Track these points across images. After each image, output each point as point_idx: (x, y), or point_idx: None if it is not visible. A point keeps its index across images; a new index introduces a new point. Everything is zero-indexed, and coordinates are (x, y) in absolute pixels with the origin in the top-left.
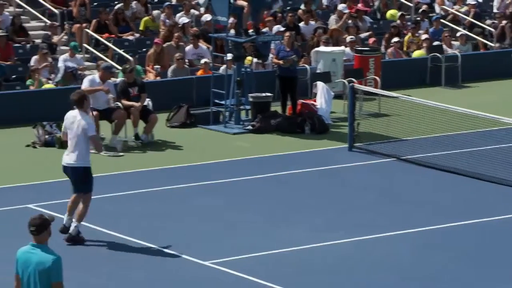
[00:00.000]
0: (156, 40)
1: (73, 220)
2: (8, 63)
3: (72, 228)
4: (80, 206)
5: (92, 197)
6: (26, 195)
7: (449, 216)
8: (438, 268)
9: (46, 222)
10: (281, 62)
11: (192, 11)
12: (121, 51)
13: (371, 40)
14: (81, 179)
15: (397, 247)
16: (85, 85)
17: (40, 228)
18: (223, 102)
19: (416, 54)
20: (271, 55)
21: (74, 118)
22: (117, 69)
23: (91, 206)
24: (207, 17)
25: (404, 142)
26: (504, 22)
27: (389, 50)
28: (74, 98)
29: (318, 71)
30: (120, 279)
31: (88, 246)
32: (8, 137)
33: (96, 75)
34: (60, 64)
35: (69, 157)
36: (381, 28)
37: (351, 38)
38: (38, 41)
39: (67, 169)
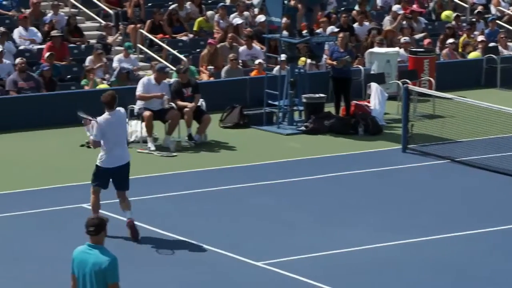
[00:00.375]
0: (210, 40)
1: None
2: (63, 63)
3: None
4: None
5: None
6: (80, 195)
7: (503, 218)
8: (492, 269)
9: (103, 222)
10: (334, 63)
11: (246, 12)
12: (175, 52)
13: (427, 41)
14: (127, 175)
15: (452, 249)
16: (139, 89)
17: (98, 228)
18: (276, 103)
19: (472, 55)
20: (325, 56)
21: (114, 118)
22: (171, 69)
23: (146, 206)
24: (261, 18)
25: (458, 144)
26: None
27: (444, 51)
28: (108, 100)
29: (372, 72)
30: (172, 279)
31: (142, 246)
32: (62, 137)
33: (151, 77)
34: (115, 64)
35: (125, 155)
36: (436, 29)
37: (405, 39)
38: (93, 41)
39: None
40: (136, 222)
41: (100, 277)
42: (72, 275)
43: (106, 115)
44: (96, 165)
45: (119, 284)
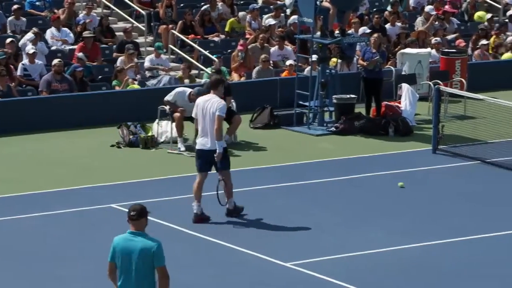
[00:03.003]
0: (240, 45)
1: (227, 199)
2: (95, 63)
3: (229, 204)
4: (224, 183)
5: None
6: (110, 195)
7: None
8: None
9: (145, 209)
10: (365, 63)
11: (282, 15)
12: (206, 52)
13: (460, 42)
14: (223, 158)
15: (480, 252)
16: (169, 98)
17: (141, 213)
18: (307, 104)
19: (506, 56)
20: (356, 57)
21: (206, 101)
22: (202, 70)
23: (176, 206)
24: (294, 18)
25: (490, 145)
26: None
27: (476, 52)
28: (212, 81)
29: (403, 73)
30: (199, 278)
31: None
32: (93, 137)
33: (188, 92)
34: (147, 64)
35: (209, 141)
36: (468, 30)
37: (436, 40)
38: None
39: (203, 152)
40: (167, 223)
41: (148, 261)
42: (111, 263)
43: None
44: (225, 147)
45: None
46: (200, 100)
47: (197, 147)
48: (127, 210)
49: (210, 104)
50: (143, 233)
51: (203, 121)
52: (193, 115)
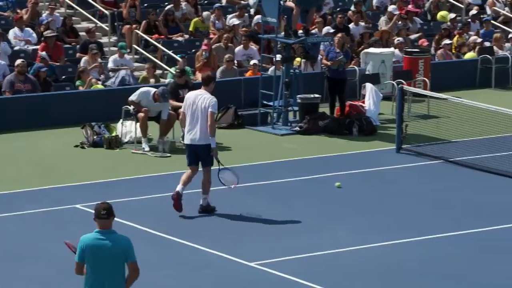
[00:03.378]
0: (204, 45)
1: (202, 195)
2: (58, 63)
3: (203, 201)
4: (203, 179)
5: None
6: (74, 195)
7: (497, 218)
8: (482, 270)
9: (112, 207)
10: (329, 63)
11: (246, 14)
12: (170, 52)
13: (423, 41)
14: (207, 155)
15: (444, 250)
16: (133, 97)
17: (110, 212)
18: (271, 103)
19: (468, 56)
20: (320, 56)
21: (197, 96)
22: (166, 70)
23: (140, 206)
24: (258, 18)
25: (453, 144)
26: None
27: (439, 51)
28: (203, 77)
29: (367, 72)
30: (163, 278)
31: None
32: (57, 137)
33: (152, 92)
34: (110, 65)
35: (193, 136)
36: (431, 29)
37: (399, 39)
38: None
39: (191, 147)
40: (131, 223)
41: (120, 258)
42: (79, 263)
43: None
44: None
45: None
46: (190, 94)
47: (186, 142)
48: (91, 210)
49: (202, 99)
50: (112, 230)
51: (192, 116)
52: (181, 109)
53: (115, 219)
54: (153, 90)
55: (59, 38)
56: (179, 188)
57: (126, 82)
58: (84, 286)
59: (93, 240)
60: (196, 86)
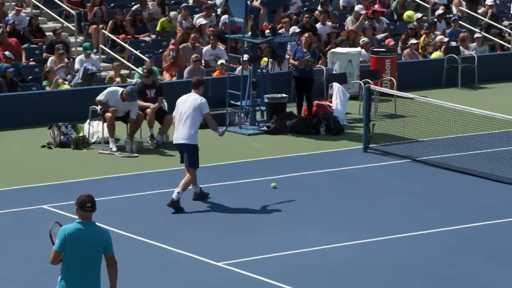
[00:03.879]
0: (171, 45)
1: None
2: (23, 62)
3: (175, 195)
4: (185, 177)
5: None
6: (41, 196)
7: (464, 217)
8: (454, 269)
9: (95, 201)
10: (296, 63)
11: (213, 14)
12: (137, 52)
13: (390, 41)
14: (189, 155)
15: (411, 249)
16: (101, 97)
17: (94, 205)
18: (238, 103)
19: (434, 55)
20: (287, 56)
21: (188, 98)
22: (133, 69)
23: (107, 206)
24: (225, 18)
25: (420, 143)
26: None
27: (406, 51)
28: (193, 81)
29: (334, 72)
30: (131, 278)
31: None
32: (23, 138)
33: (120, 92)
34: (77, 65)
35: (180, 135)
36: (398, 29)
37: (365, 39)
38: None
39: (181, 146)
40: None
41: (100, 250)
42: (58, 252)
43: None
44: (197, 145)
45: None
46: (181, 98)
47: (174, 141)
48: (59, 211)
49: (191, 101)
50: (93, 222)
51: (179, 117)
52: (174, 113)
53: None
54: (120, 89)
55: (24, 38)
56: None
57: (89, 71)
58: (60, 275)
59: (76, 230)
60: (163, 86)
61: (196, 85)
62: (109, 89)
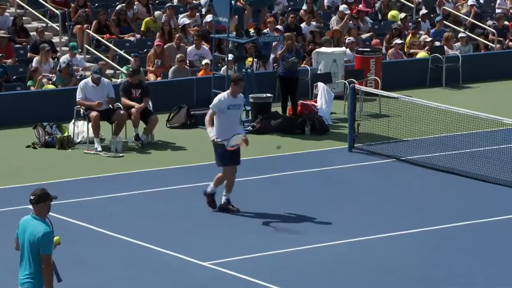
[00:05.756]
0: (156, 42)
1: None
2: (9, 62)
3: (209, 189)
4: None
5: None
6: (26, 196)
7: (449, 217)
8: (439, 268)
9: (46, 196)
10: (278, 55)
11: (197, 14)
12: (121, 52)
13: (375, 41)
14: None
15: (397, 248)
16: (78, 96)
17: (39, 198)
18: None
19: (420, 55)
20: (272, 56)
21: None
22: (118, 69)
23: (92, 207)
24: (210, 18)
25: (404, 143)
26: None
27: (390, 51)
28: (232, 76)
29: (318, 72)
30: (116, 279)
31: (88, 247)
32: (8, 138)
33: (88, 80)
34: (63, 65)
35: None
36: (382, 29)
37: (350, 39)
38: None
39: None
40: (84, 224)
41: (34, 247)
42: (16, 238)
43: None
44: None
45: (52, 257)
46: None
47: None
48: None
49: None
50: (40, 218)
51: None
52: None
53: (68, 219)
54: (89, 77)
55: (10, 38)
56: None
57: (68, 61)
58: None
59: (24, 221)
60: (149, 86)
61: (235, 81)
62: (79, 84)
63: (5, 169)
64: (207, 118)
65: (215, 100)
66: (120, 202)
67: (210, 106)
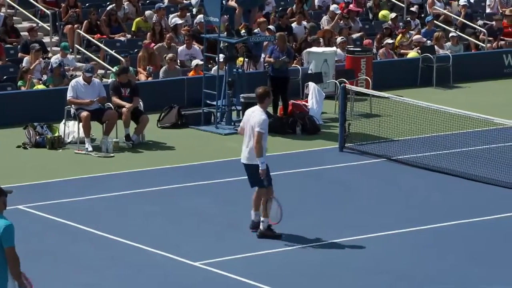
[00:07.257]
0: (145, 43)
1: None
2: None
3: (260, 224)
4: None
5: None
6: (17, 196)
7: (439, 216)
8: (429, 268)
9: (0, 192)
10: (272, 60)
11: (188, 14)
12: (112, 52)
13: (367, 41)
14: (253, 175)
15: (388, 248)
16: (69, 94)
17: None
18: (214, 103)
19: (411, 55)
20: (263, 55)
21: (250, 114)
22: (109, 69)
23: (83, 207)
24: (201, 18)
25: (395, 143)
26: None
27: (381, 50)
28: (257, 92)
29: (309, 71)
30: (108, 279)
31: (78, 247)
32: None
33: (79, 78)
34: (54, 65)
35: (243, 154)
36: (373, 28)
37: (342, 38)
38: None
39: (245, 166)
40: (75, 224)
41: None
42: None
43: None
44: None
45: (15, 249)
46: (247, 111)
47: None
48: (34, 211)
49: (252, 117)
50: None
51: (245, 133)
52: (241, 124)
53: (58, 219)
54: (80, 76)
55: (1, 39)
56: (252, 216)
57: (59, 62)
58: None
59: None
60: (139, 86)
61: (260, 99)
62: (70, 83)
63: None
64: (261, 145)
65: (263, 120)
66: (111, 202)
67: (258, 129)
